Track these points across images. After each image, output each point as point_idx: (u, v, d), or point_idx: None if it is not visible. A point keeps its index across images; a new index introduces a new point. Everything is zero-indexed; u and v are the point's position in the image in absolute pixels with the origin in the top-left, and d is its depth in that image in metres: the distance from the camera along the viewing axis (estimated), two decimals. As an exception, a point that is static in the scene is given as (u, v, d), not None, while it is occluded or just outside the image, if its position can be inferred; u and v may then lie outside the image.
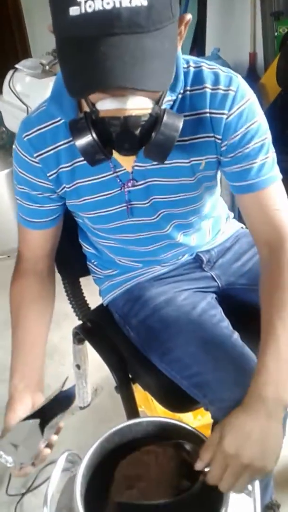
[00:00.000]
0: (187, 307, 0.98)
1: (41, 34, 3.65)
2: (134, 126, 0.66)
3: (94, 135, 0.68)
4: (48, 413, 0.78)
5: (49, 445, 0.77)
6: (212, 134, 0.82)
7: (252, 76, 2.38)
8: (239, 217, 1.29)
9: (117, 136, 0.67)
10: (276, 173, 0.86)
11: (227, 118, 0.80)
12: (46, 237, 0.95)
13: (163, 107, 0.71)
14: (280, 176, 0.87)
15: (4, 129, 2.23)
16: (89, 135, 0.68)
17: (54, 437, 0.78)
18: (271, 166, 0.85)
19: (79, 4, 0.56)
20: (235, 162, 0.84)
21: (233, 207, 1.48)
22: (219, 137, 0.82)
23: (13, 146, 0.89)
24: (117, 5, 0.55)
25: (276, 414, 0.69)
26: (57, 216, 0.94)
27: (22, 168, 0.87)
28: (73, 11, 0.57)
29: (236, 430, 0.68)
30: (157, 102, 0.69)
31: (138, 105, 0.65)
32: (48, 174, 0.86)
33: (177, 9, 0.63)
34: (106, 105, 0.65)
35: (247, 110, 0.81)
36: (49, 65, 1.93)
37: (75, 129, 0.69)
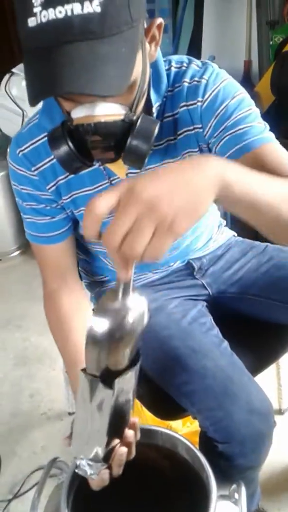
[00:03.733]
0: (177, 315, 0.98)
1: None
2: (106, 133, 0.67)
3: (69, 143, 0.69)
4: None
5: (125, 444, 0.65)
6: (192, 126, 0.83)
7: (246, 84, 2.40)
8: (231, 225, 1.30)
9: (91, 144, 0.68)
10: (269, 135, 0.80)
11: (202, 104, 0.81)
12: (65, 249, 0.94)
13: (155, 113, 0.71)
14: (276, 141, 0.80)
15: (-1, 132, 2.23)
16: (65, 144, 0.69)
17: (130, 432, 0.66)
18: (262, 130, 0.80)
19: (35, 15, 0.57)
20: (222, 135, 0.81)
21: (225, 214, 1.49)
22: (199, 125, 0.83)
23: (8, 164, 0.89)
24: (69, 13, 0.56)
25: (207, 178, 0.51)
26: (70, 225, 0.94)
27: (22, 184, 0.87)
28: (31, 22, 0.57)
29: (156, 174, 0.50)
30: (130, 108, 0.69)
31: (107, 112, 0.66)
32: (47, 187, 0.87)
33: (140, 13, 0.62)
34: (77, 113, 0.66)
35: (222, 90, 0.81)
36: (45, 70, 1.94)
37: (52, 139, 0.71)
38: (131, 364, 0.59)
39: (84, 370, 0.57)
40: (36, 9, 0.56)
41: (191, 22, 2.56)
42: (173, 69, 0.83)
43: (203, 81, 0.80)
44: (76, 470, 0.62)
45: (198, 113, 0.81)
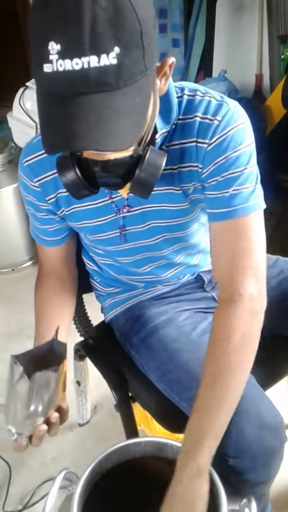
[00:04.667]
0: (187, 328, 0.98)
1: (52, 52, 3.72)
2: (115, 168, 0.69)
3: (78, 172, 0.72)
4: (39, 362, 0.77)
5: (49, 423, 0.75)
6: (196, 164, 0.83)
7: (258, 98, 2.41)
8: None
9: (99, 176, 0.71)
10: (252, 203, 0.81)
11: (207, 147, 0.80)
12: (60, 251, 1.01)
13: (158, 139, 0.73)
14: (258, 208, 0.82)
15: (13, 144, 2.27)
16: (73, 173, 0.72)
17: (55, 415, 0.76)
18: (247, 197, 0.81)
19: (51, 62, 0.56)
20: (211, 189, 0.83)
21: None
22: (201, 166, 0.83)
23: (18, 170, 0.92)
24: (85, 65, 0.55)
25: (197, 488, 0.68)
26: (65, 235, 0.98)
27: (25, 191, 0.91)
28: (47, 68, 0.57)
29: (170, 499, 0.69)
30: (139, 143, 0.71)
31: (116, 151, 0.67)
32: (47, 198, 0.89)
33: (153, 60, 0.62)
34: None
35: (229, 139, 0.79)
36: (59, 84, 1.97)
37: (61, 166, 0.73)
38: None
39: (14, 356, 0.75)
40: (53, 57, 0.56)
41: (203, 36, 2.58)
42: (186, 97, 0.81)
43: (215, 122, 0.79)
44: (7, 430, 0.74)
45: (202, 153, 0.81)
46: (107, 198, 0.88)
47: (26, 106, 2.10)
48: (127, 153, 0.69)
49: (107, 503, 0.74)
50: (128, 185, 0.74)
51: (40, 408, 0.74)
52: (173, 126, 0.81)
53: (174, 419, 0.95)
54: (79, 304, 1.24)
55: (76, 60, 0.56)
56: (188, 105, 0.81)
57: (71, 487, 0.76)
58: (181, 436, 1.21)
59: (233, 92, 2.27)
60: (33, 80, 2.13)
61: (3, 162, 2.19)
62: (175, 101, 0.80)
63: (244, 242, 0.81)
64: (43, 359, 0.79)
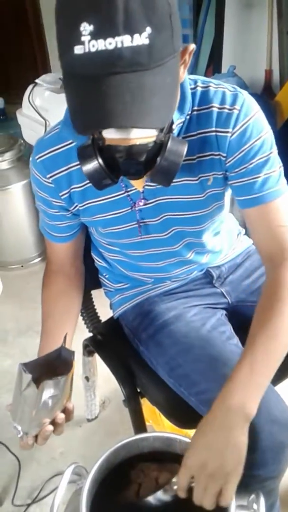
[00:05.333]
0: (196, 323, 0.98)
1: (61, 49, 3.72)
2: (138, 154, 0.69)
3: (100, 161, 0.71)
4: (47, 368, 0.79)
5: (54, 424, 0.77)
6: (218, 152, 0.84)
7: (267, 93, 2.40)
8: (251, 234, 1.30)
9: (122, 163, 0.70)
10: (281, 187, 0.86)
11: (231, 136, 0.81)
12: (69, 247, 1.01)
13: (175, 129, 0.73)
14: (286, 191, 0.87)
15: (22, 141, 2.27)
16: (96, 161, 0.71)
17: (60, 416, 0.78)
18: (276, 180, 0.85)
19: (83, 43, 0.57)
20: (240, 177, 0.85)
21: (244, 222, 1.49)
22: (224, 154, 0.84)
23: (30, 166, 0.92)
24: (119, 45, 0.56)
25: (237, 425, 0.70)
26: (75, 231, 0.98)
27: (38, 187, 0.91)
28: (78, 49, 0.58)
29: (197, 445, 0.72)
30: (162, 129, 0.70)
31: (142, 135, 0.67)
32: (60, 194, 0.89)
33: (179, 43, 0.63)
34: (111, 134, 0.67)
35: (251, 127, 0.81)
36: (68, 80, 1.97)
37: (82, 155, 0.72)
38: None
39: (23, 364, 0.76)
40: (85, 38, 0.57)
41: (212, 32, 2.57)
42: (199, 89, 0.82)
43: (235, 112, 0.80)
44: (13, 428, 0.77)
45: (226, 142, 0.82)
46: (122, 192, 0.88)
47: (35, 103, 2.10)
48: (151, 138, 0.69)
49: (115, 498, 0.75)
50: (143, 179, 0.74)
51: (46, 414, 0.75)
52: (188, 117, 0.82)
53: (183, 414, 0.96)
54: (88, 300, 1.24)
55: (109, 39, 0.56)
56: (203, 96, 0.82)
57: (80, 481, 0.76)
58: (189, 431, 1.21)
59: (242, 88, 2.25)
60: (41, 77, 2.14)
61: (12, 159, 2.19)
62: (189, 92, 0.81)
63: (280, 221, 0.87)
64: (51, 364, 0.80)
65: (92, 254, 1.13)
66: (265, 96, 2.33)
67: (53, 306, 0.97)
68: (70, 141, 0.84)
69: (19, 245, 2.37)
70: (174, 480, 0.73)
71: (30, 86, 2.15)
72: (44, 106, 2.05)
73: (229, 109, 0.80)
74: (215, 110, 0.81)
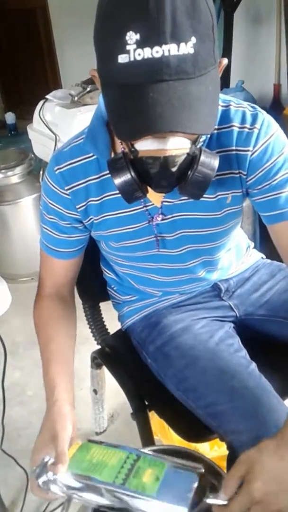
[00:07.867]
0: (204, 336, 0.98)
1: (71, 66, 3.80)
2: (173, 165, 0.69)
3: (133, 173, 0.71)
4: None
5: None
6: (237, 171, 0.84)
7: (276, 108, 2.41)
8: (260, 247, 1.29)
9: (155, 175, 0.70)
10: None
11: (251, 154, 0.82)
12: (69, 266, 0.98)
13: (198, 146, 0.74)
14: None
15: (32, 155, 2.31)
16: (128, 174, 0.71)
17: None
18: None
19: (128, 52, 0.58)
20: (263, 193, 0.85)
21: (254, 236, 1.48)
22: (244, 172, 0.84)
23: (44, 177, 0.92)
24: (166, 53, 0.58)
25: None
26: (82, 246, 0.97)
27: (52, 199, 0.90)
28: (122, 58, 0.59)
29: (267, 475, 0.63)
30: (194, 142, 0.71)
31: (177, 146, 0.67)
32: (77, 206, 0.89)
33: (218, 55, 0.65)
34: (146, 145, 0.67)
35: (272, 145, 0.82)
36: (78, 96, 2.00)
37: (114, 168, 0.72)
38: None
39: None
40: (130, 47, 0.58)
41: (220, 46, 2.60)
42: (220, 107, 0.82)
43: (255, 131, 0.81)
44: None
45: (246, 160, 0.83)
46: (140, 206, 0.88)
47: (45, 118, 2.14)
48: (185, 150, 0.69)
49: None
50: (161, 194, 0.73)
51: None
52: (208, 135, 0.82)
53: (191, 428, 0.95)
54: (96, 312, 1.25)
55: (156, 48, 0.58)
56: (224, 115, 0.83)
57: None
58: (197, 445, 1.20)
59: (251, 103, 2.27)
60: (52, 93, 2.18)
61: (23, 173, 2.22)
62: None
63: None
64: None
65: (101, 265, 1.13)
66: (274, 110, 2.35)
67: (55, 332, 0.92)
68: (90, 154, 0.85)
69: (29, 258, 2.38)
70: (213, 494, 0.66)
71: (41, 102, 2.19)
72: (54, 121, 2.08)
73: (249, 129, 0.81)
74: (236, 129, 0.82)
